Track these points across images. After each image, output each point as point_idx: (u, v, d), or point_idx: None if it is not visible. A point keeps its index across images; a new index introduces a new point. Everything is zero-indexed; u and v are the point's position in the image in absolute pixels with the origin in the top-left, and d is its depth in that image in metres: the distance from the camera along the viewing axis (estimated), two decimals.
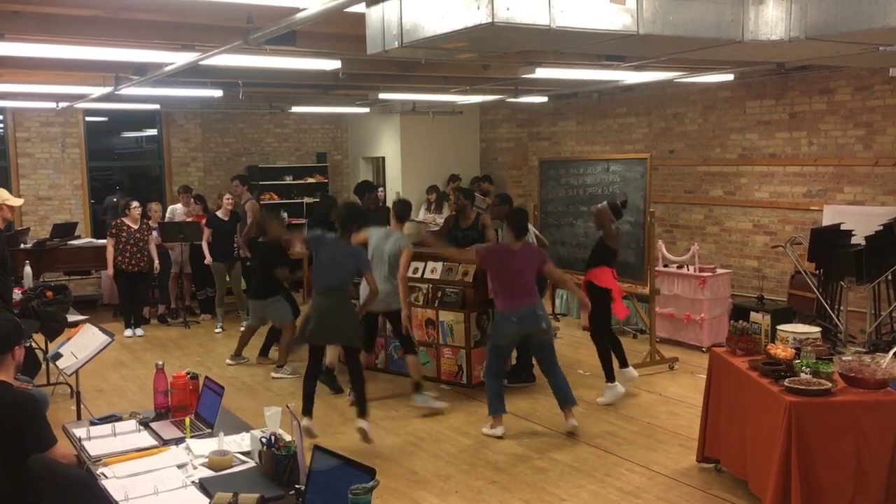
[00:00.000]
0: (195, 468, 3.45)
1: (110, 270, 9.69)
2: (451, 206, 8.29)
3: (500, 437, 6.16)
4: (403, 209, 7.19)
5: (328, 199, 8.40)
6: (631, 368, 7.22)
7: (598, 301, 6.82)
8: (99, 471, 3.43)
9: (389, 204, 12.76)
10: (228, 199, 10.12)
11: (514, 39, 4.02)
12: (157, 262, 9.96)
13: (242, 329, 10.05)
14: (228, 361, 8.56)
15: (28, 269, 7.99)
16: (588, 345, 9.00)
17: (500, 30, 3.40)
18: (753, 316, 5.34)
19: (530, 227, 7.50)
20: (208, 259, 9.92)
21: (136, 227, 9.72)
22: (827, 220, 8.64)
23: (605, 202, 7.20)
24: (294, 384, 7.76)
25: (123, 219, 9.74)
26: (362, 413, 6.04)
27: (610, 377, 6.99)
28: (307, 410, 6.05)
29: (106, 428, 3.96)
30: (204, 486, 3.24)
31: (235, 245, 10.12)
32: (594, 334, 7.14)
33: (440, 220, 11.08)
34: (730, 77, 8.79)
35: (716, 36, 3.93)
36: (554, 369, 6.29)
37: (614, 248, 7.06)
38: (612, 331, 7.34)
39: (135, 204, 9.82)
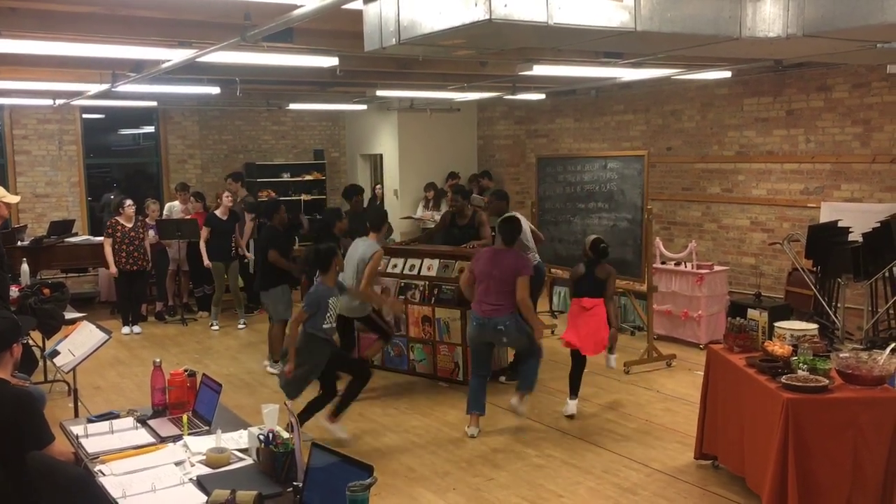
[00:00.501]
0: (193, 465, 3.44)
1: (113, 270, 9.67)
2: (448, 203, 8.30)
3: (472, 437, 6.15)
4: (375, 219, 7.05)
5: (331, 213, 8.35)
6: (571, 403, 6.69)
7: None
8: (96, 468, 3.43)
9: (387, 202, 12.87)
10: (228, 197, 10.10)
11: (511, 36, 4.02)
12: (149, 259, 9.95)
13: (242, 326, 10.09)
14: (265, 363, 8.41)
15: (25, 267, 7.98)
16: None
17: (498, 27, 3.40)
18: (751, 313, 5.34)
19: (525, 221, 7.51)
20: (207, 262, 9.90)
21: (130, 225, 9.73)
22: (824, 217, 8.64)
23: (592, 237, 6.83)
24: None
25: (117, 218, 9.74)
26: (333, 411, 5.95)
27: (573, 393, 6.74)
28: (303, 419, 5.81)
29: (103, 425, 3.96)
30: (202, 484, 3.24)
31: (233, 244, 10.10)
32: None
33: (438, 217, 11.08)
34: (727, 74, 8.80)
35: (713, 33, 3.92)
36: (528, 359, 6.31)
37: (572, 277, 6.74)
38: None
39: (128, 202, 9.80)
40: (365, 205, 9.60)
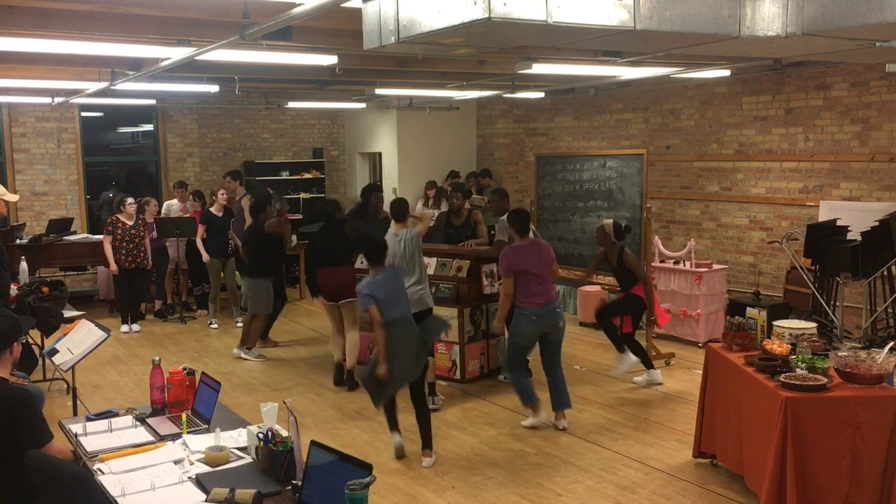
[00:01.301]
0: (192, 464, 3.45)
1: (113, 268, 9.67)
2: (451, 200, 8.29)
3: (545, 423, 6.27)
4: (398, 210, 6.86)
5: (332, 203, 8.35)
6: (656, 371, 7.36)
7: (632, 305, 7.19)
8: (95, 466, 3.43)
9: (386, 201, 12.84)
10: (222, 194, 10.09)
11: (511, 35, 4.02)
12: (149, 257, 9.97)
13: (239, 325, 10.09)
14: (235, 350, 8.64)
15: (24, 265, 7.98)
16: (585, 340, 9.04)
17: (497, 25, 3.39)
18: (749, 311, 5.35)
19: None
20: (206, 258, 9.92)
21: (130, 223, 9.74)
22: (823, 215, 8.65)
23: (610, 220, 7.26)
24: (291, 378, 7.77)
25: (118, 215, 9.75)
26: (425, 446, 5.66)
27: (620, 349, 7.21)
28: (393, 426, 5.77)
29: (102, 424, 3.96)
30: (200, 482, 3.24)
31: (230, 240, 10.09)
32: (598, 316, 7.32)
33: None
34: (726, 73, 8.80)
35: (713, 31, 3.92)
36: (556, 369, 6.32)
37: (630, 268, 7.05)
38: (625, 334, 7.37)
39: (129, 200, 9.82)
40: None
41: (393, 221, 6.87)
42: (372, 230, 6.33)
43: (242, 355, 8.45)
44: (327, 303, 7.53)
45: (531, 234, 6.38)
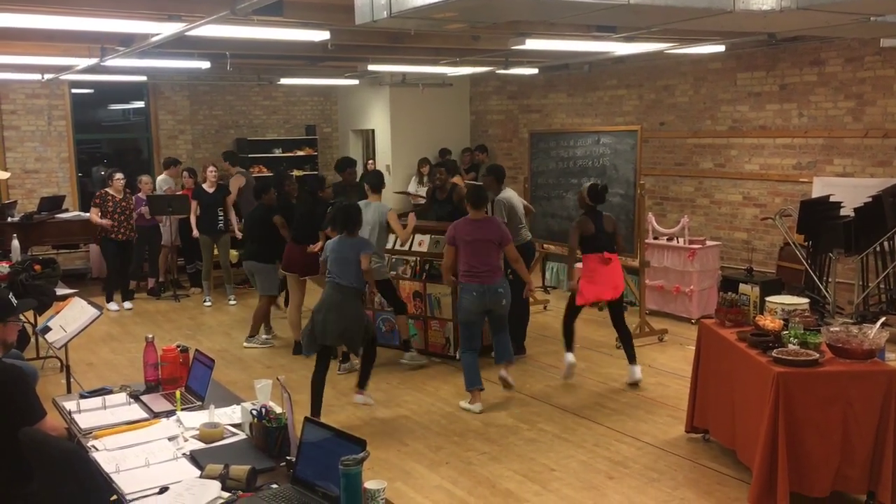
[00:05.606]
0: (186, 440, 3.46)
1: (108, 223, 9.60)
2: (436, 176, 8.36)
3: (478, 413, 6.16)
4: (374, 180, 7.31)
5: (314, 180, 8.34)
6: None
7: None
8: (90, 443, 3.44)
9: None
10: (212, 170, 10.06)
11: (504, 9, 3.99)
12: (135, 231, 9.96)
13: (232, 302, 10.07)
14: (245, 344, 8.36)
15: (16, 243, 7.96)
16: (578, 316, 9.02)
17: None
18: (742, 288, 5.36)
19: (514, 194, 7.51)
20: (196, 233, 9.90)
21: (120, 196, 9.78)
22: (816, 192, 8.66)
23: (587, 184, 6.96)
24: (285, 355, 7.78)
25: (107, 189, 9.75)
26: (360, 385, 6.17)
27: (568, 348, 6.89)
28: (317, 411, 5.89)
29: (96, 401, 3.96)
30: (195, 458, 3.24)
31: (220, 217, 10.03)
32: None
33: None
34: (721, 48, 8.76)
35: (707, 6, 3.90)
36: (500, 333, 6.37)
37: (584, 234, 6.65)
38: (571, 321, 6.87)
39: (118, 176, 9.82)
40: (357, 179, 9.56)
41: (369, 191, 7.24)
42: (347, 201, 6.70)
43: (246, 344, 8.15)
44: (292, 276, 7.79)
45: (486, 212, 6.35)
